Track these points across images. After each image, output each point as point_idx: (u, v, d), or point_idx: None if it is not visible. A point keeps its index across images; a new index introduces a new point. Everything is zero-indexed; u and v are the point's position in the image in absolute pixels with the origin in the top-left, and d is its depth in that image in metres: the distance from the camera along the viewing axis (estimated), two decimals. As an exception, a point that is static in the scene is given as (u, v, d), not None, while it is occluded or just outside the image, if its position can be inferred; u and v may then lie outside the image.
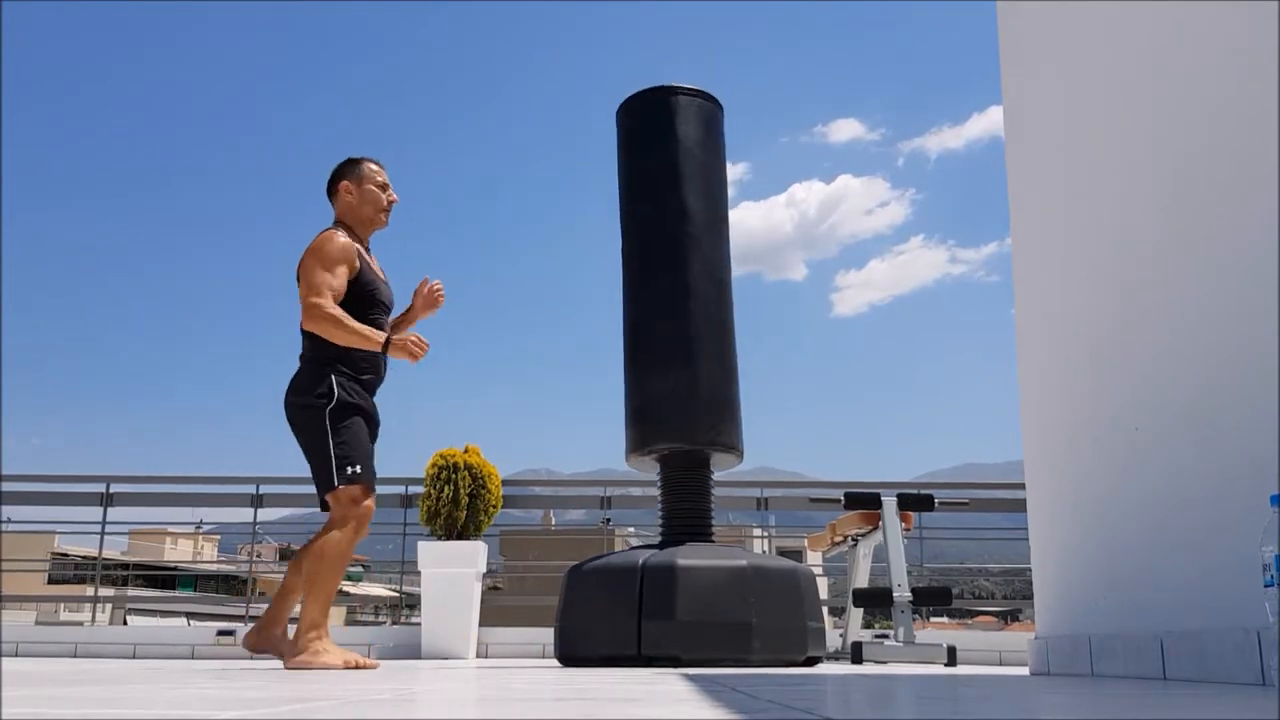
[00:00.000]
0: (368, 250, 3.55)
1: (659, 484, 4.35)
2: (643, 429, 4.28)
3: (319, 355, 3.38)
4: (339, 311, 3.32)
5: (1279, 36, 2.14)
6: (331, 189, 3.58)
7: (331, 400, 3.34)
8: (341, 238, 3.44)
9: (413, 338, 3.35)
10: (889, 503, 4.78)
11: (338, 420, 3.34)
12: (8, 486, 6.91)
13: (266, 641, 3.46)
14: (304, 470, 3.47)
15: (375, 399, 3.55)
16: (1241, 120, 2.30)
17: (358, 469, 3.30)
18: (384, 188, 3.58)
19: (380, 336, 3.34)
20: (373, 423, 3.49)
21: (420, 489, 5.84)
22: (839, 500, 4.93)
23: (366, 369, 3.43)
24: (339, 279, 3.35)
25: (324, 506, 3.45)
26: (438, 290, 3.68)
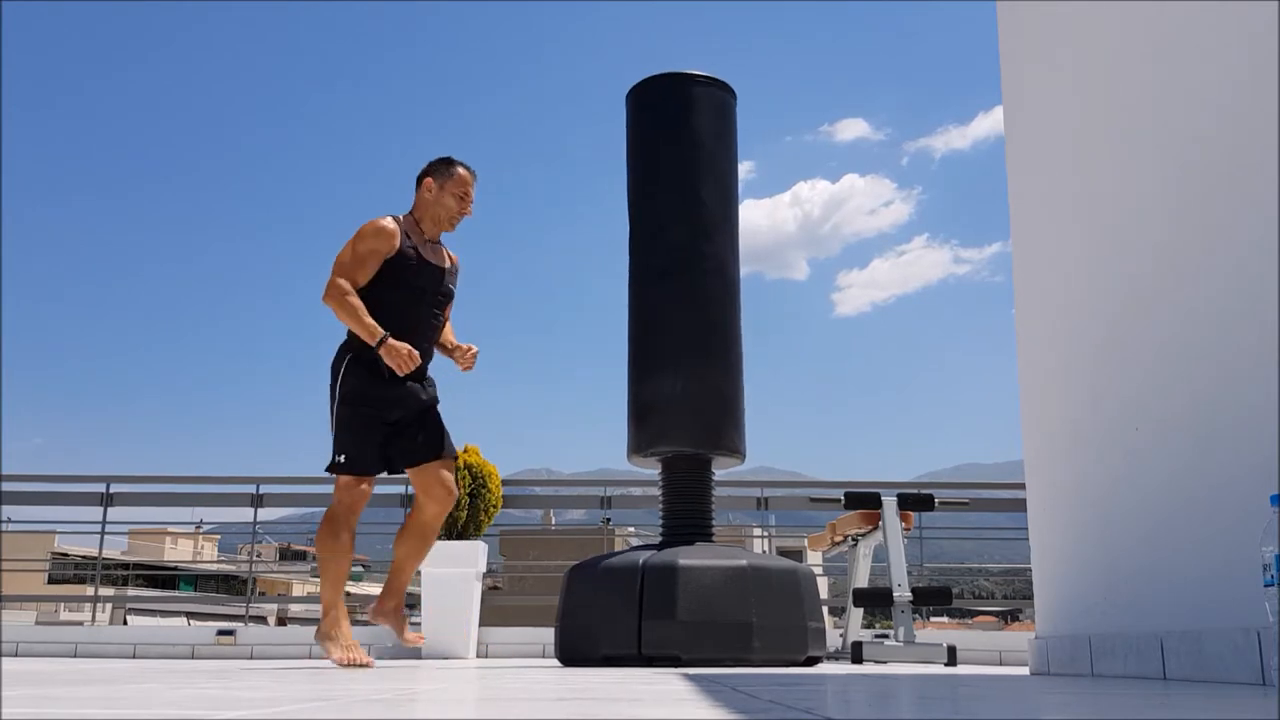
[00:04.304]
0: (430, 241, 3.70)
1: (660, 484, 4.34)
2: (645, 430, 4.26)
3: (348, 336, 3.57)
4: (350, 295, 3.48)
5: (1279, 33, 2.14)
6: (418, 180, 3.73)
7: (337, 382, 3.53)
8: (385, 224, 3.58)
9: (405, 349, 3.46)
10: (889, 503, 4.78)
11: (341, 404, 3.52)
12: (8, 486, 6.91)
13: (379, 615, 3.75)
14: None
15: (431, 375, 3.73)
16: (1240, 125, 2.30)
17: (341, 458, 3.47)
18: (462, 199, 3.72)
19: (378, 333, 3.43)
20: (388, 405, 3.57)
21: (420, 489, 5.83)
22: (839, 500, 4.92)
23: (377, 358, 3.52)
24: (366, 265, 3.52)
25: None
26: (471, 361, 3.85)
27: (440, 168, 3.71)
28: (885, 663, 4.43)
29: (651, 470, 4.46)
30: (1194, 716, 1.29)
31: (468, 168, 3.72)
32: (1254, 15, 2.23)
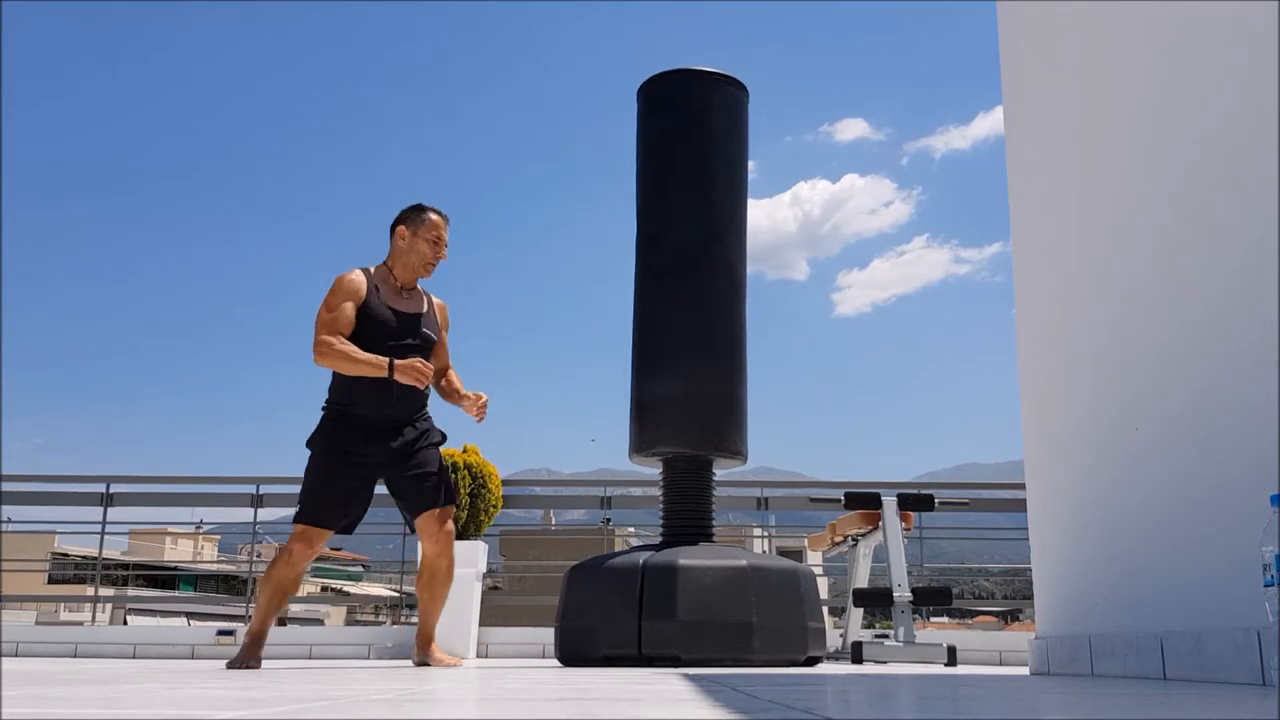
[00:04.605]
0: (406, 287, 3.74)
1: (660, 484, 4.34)
2: (647, 430, 4.26)
3: (328, 395, 3.65)
4: (339, 342, 3.52)
5: (1279, 33, 2.14)
6: (392, 228, 3.78)
7: (313, 434, 3.62)
8: (350, 275, 3.65)
9: (416, 361, 3.51)
10: (889, 503, 4.78)
11: (310, 459, 3.60)
12: (8, 486, 6.91)
13: (417, 655, 3.83)
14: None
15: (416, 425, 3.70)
16: (1240, 125, 2.30)
17: (301, 509, 3.55)
18: (436, 243, 3.76)
19: (382, 362, 3.50)
20: (367, 453, 3.60)
21: (420, 489, 5.83)
22: (839, 500, 4.92)
23: (359, 404, 3.58)
24: (344, 314, 3.57)
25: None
26: (482, 410, 3.83)
27: (412, 215, 3.76)
28: (885, 663, 4.43)
29: (652, 470, 4.46)
30: (1194, 716, 1.29)
31: (439, 212, 3.79)
32: (1254, 15, 2.23)
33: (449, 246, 3.79)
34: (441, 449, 3.77)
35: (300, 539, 3.51)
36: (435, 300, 3.83)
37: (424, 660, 3.77)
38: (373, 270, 3.70)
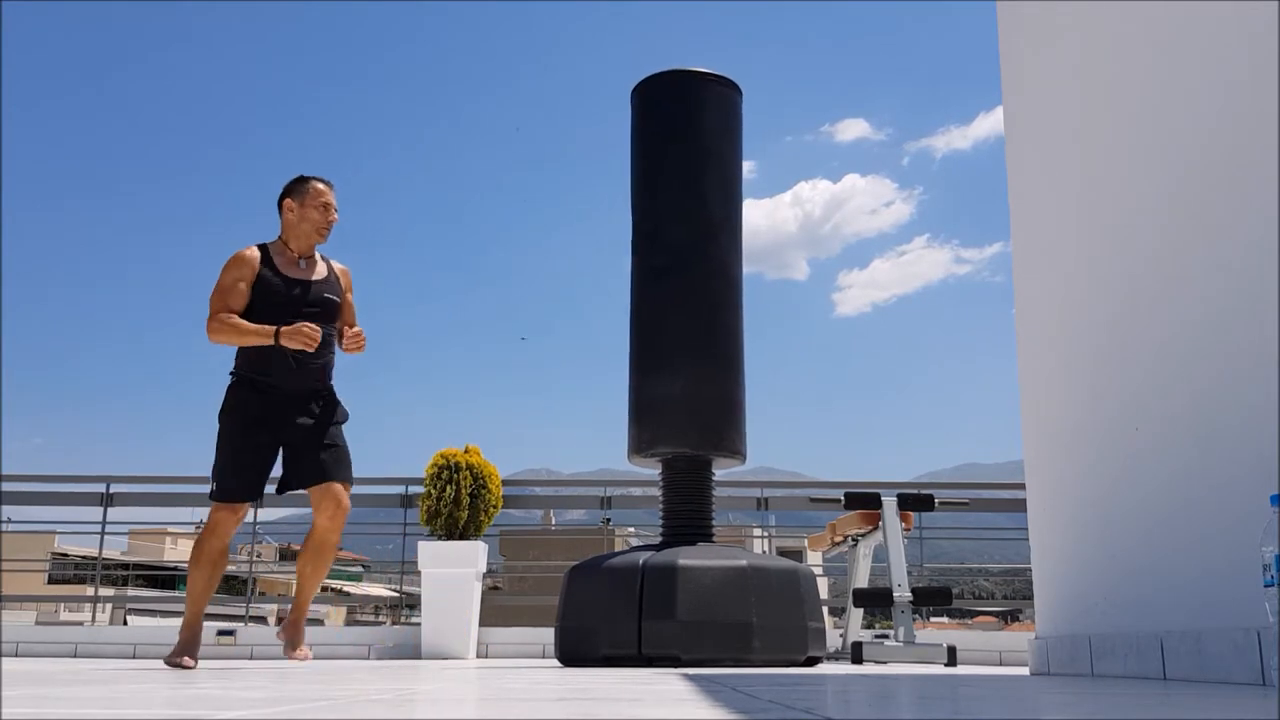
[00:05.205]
0: (304, 256, 3.76)
1: (660, 484, 4.34)
2: (646, 430, 4.26)
3: (234, 364, 3.69)
4: (226, 318, 3.57)
5: (1279, 33, 2.14)
6: (278, 204, 3.81)
7: (222, 406, 3.66)
8: (241, 252, 3.69)
9: (301, 326, 3.50)
10: (889, 503, 4.78)
11: (220, 426, 3.63)
12: (8, 486, 6.91)
13: (281, 628, 3.84)
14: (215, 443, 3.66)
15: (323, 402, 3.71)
16: (1240, 125, 2.30)
17: (214, 485, 3.60)
18: (325, 208, 3.78)
19: (267, 330, 3.53)
20: (272, 423, 3.62)
21: (420, 489, 5.84)
22: (839, 500, 4.92)
23: (264, 376, 3.61)
24: (236, 290, 3.62)
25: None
26: (351, 339, 3.78)
27: (296, 186, 3.80)
28: (885, 663, 4.43)
29: (652, 470, 4.46)
30: (1194, 716, 1.29)
31: (322, 180, 3.83)
32: (1254, 15, 2.23)
33: (338, 210, 3.81)
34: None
35: (224, 509, 3.58)
36: (337, 265, 3.86)
37: (290, 642, 3.76)
38: (269, 245, 3.75)
